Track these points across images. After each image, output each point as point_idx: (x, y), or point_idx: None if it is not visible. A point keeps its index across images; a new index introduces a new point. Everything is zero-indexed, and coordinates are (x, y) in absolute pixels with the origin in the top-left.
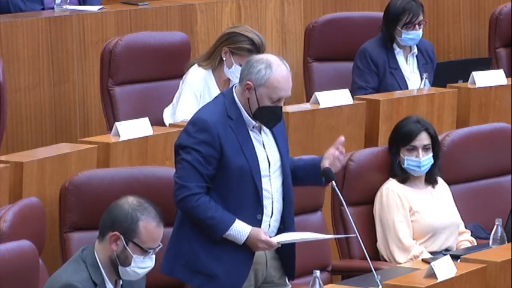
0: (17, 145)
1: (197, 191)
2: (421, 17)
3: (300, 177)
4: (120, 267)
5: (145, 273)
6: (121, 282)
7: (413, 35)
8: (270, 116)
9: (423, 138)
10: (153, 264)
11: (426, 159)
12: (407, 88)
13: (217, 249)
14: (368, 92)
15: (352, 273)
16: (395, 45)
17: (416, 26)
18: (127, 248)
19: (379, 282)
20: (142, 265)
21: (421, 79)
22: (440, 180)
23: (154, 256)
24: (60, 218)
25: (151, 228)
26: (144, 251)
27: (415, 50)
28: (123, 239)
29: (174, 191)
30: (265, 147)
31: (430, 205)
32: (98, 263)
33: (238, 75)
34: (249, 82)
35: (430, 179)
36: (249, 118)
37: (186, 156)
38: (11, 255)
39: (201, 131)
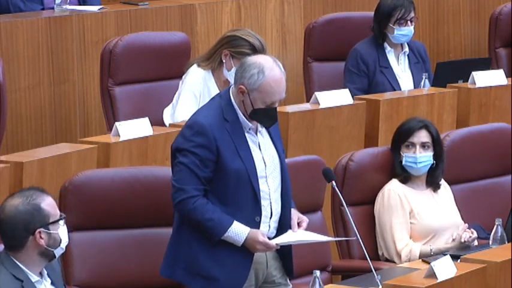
0: (17, 145)
1: (194, 193)
2: (412, 14)
3: None
4: (55, 250)
5: None
6: (46, 272)
7: (405, 31)
8: (265, 117)
9: (422, 136)
10: None
11: (423, 157)
12: (398, 86)
13: (217, 252)
14: (353, 94)
15: (352, 273)
16: (386, 45)
17: (409, 22)
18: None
19: (379, 282)
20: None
21: (413, 78)
22: (442, 180)
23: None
24: None
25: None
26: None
27: (407, 49)
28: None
29: (172, 194)
30: (261, 149)
31: (431, 206)
32: (18, 264)
33: None
34: (241, 86)
35: (432, 183)
36: (245, 120)
37: (183, 159)
38: None
39: (197, 134)
